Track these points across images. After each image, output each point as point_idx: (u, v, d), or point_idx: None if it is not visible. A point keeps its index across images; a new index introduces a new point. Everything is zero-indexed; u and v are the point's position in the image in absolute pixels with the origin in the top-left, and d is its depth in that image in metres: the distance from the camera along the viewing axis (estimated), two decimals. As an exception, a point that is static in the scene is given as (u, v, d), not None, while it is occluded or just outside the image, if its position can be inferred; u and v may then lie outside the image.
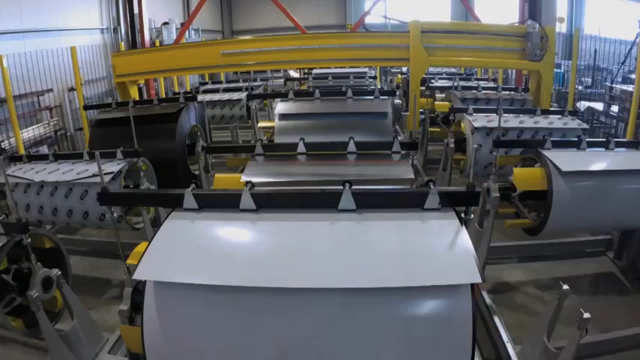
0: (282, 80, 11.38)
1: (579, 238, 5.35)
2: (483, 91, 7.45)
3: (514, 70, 10.80)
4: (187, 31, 15.39)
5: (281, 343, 1.83)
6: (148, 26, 13.57)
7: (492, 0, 18.24)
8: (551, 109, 6.31)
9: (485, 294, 3.90)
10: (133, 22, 11.67)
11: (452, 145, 5.61)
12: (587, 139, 4.06)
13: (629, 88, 8.08)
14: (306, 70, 12.44)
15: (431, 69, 11.16)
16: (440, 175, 6.19)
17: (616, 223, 3.98)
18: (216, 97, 8.42)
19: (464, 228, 2.00)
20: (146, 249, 1.98)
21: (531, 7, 9.35)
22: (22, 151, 6.35)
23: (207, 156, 5.39)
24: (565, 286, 2.69)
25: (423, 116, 7.55)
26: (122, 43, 11.56)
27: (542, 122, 5.41)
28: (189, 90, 11.33)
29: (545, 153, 3.74)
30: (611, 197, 3.60)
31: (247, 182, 2.28)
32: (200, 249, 2.06)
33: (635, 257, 4.42)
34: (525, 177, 3.77)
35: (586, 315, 2.47)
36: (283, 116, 5.09)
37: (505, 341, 3.34)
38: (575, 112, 5.89)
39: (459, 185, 5.59)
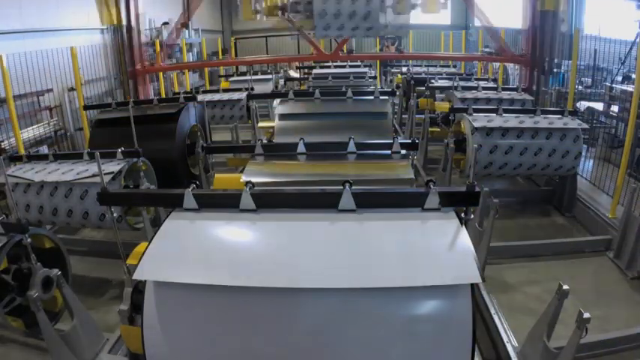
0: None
1: (579, 238, 5.36)
2: (483, 91, 7.46)
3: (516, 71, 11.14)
4: (187, 31, 15.38)
5: (281, 343, 1.83)
6: (148, 26, 13.57)
7: (491, 0, 18.21)
8: (550, 109, 6.33)
9: (485, 294, 3.90)
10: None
11: (452, 145, 5.62)
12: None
13: (629, 88, 8.07)
14: (306, 70, 12.45)
15: (431, 69, 11.18)
16: (440, 175, 6.20)
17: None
18: (216, 97, 8.41)
19: (464, 228, 1.99)
20: (146, 249, 1.98)
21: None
22: (22, 151, 6.33)
23: (207, 156, 5.38)
24: (565, 286, 2.70)
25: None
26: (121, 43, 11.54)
27: (542, 122, 5.42)
28: (189, 90, 11.31)
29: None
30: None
31: (247, 182, 2.28)
32: (200, 249, 2.06)
33: (633, 256, 4.43)
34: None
35: (586, 315, 2.48)
36: (283, 116, 5.09)
37: (505, 341, 3.34)
38: (575, 112, 5.90)
39: (459, 185, 5.60)
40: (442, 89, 8.22)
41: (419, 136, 7.59)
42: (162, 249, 2.02)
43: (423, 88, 8.69)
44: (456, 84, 7.74)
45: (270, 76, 11.46)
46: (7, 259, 3.16)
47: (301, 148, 3.72)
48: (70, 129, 9.67)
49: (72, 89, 9.28)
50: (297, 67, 13.95)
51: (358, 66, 11.60)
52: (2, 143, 7.45)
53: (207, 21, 18.69)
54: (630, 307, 4.03)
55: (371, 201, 2.20)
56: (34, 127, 8.57)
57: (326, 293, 1.80)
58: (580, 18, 14.74)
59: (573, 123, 5.42)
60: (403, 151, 3.71)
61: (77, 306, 3.35)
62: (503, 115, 5.59)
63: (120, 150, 4.48)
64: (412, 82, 9.25)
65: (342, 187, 2.16)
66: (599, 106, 9.54)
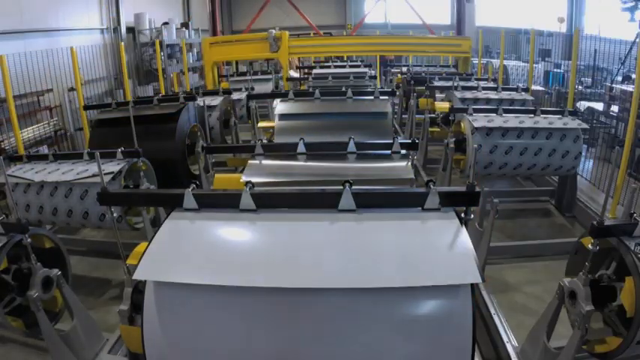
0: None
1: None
2: (483, 92, 7.46)
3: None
4: (187, 31, 15.39)
5: (281, 343, 1.83)
6: (148, 26, 13.58)
7: (492, 1, 18.24)
8: (550, 109, 6.35)
9: (485, 294, 3.90)
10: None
11: (452, 145, 5.62)
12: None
13: (629, 88, 8.08)
14: (306, 70, 12.45)
15: (431, 69, 11.22)
16: (440, 175, 6.20)
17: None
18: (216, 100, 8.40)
19: (464, 228, 1.99)
20: (146, 249, 1.98)
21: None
22: (22, 151, 6.33)
23: (207, 156, 5.38)
24: (565, 285, 2.70)
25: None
26: (122, 43, 11.56)
27: (542, 122, 5.42)
28: (189, 90, 11.31)
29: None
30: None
31: (247, 182, 2.28)
32: (200, 249, 2.06)
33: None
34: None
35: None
36: (283, 116, 5.09)
37: (505, 341, 3.34)
38: (575, 112, 5.90)
39: (459, 185, 5.60)
40: (442, 89, 8.22)
41: (419, 136, 7.60)
42: (162, 249, 2.02)
43: (423, 88, 8.70)
44: (455, 84, 7.74)
45: (270, 76, 11.46)
46: (7, 259, 3.15)
47: (301, 148, 3.71)
48: (70, 129, 9.68)
49: (72, 89, 9.29)
50: (297, 67, 13.95)
51: (358, 66, 11.60)
52: (2, 143, 7.46)
53: (206, 21, 18.69)
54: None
55: (371, 201, 2.20)
56: (34, 127, 8.59)
57: (326, 293, 1.80)
58: (580, 18, 14.75)
59: (573, 123, 5.42)
60: (403, 151, 3.70)
61: (77, 306, 3.35)
62: (503, 115, 5.60)
63: (120, 150, 4.48)
64: (412, 82, 9.25)
65: (342, 187, 2.16)
66: (599, 106, 9.56)
